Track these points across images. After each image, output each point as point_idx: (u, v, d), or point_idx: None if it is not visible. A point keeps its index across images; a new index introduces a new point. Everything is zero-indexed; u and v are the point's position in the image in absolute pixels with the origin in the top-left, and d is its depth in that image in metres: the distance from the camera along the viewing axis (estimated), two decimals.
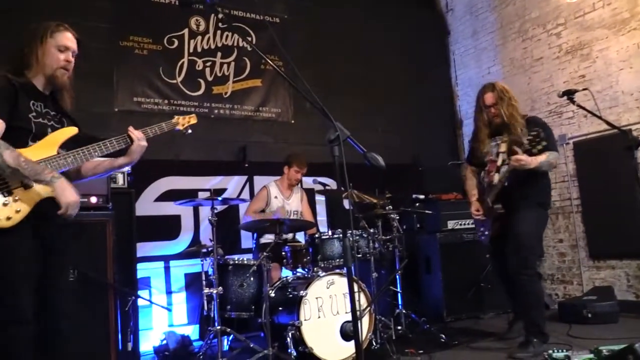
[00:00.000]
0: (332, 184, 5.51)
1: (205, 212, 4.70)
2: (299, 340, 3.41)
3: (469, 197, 3.96)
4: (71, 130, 2.43)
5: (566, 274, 5.71)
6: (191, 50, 5.33)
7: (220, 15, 2.13)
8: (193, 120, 2.79)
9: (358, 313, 3.59)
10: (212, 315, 3.66)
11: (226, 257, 4.05)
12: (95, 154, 2.41)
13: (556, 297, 5.64)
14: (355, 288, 3.70)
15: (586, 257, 5.51)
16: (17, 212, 2.16)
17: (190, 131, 2.78)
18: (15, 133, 2.23)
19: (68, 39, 2.43)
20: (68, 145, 2.40)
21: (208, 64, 5.41)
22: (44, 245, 2.27)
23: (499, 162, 3.59)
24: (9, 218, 2.14)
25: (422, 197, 5.53)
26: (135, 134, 2.53)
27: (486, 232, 3.79)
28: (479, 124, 3.79)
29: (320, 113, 2.04)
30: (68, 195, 2.20)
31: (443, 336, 4.05)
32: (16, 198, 2.17)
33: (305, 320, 3.43)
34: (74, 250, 2.52)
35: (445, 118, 7.08)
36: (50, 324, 2.28)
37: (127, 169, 3.83)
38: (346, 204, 5.58)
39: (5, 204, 2.14)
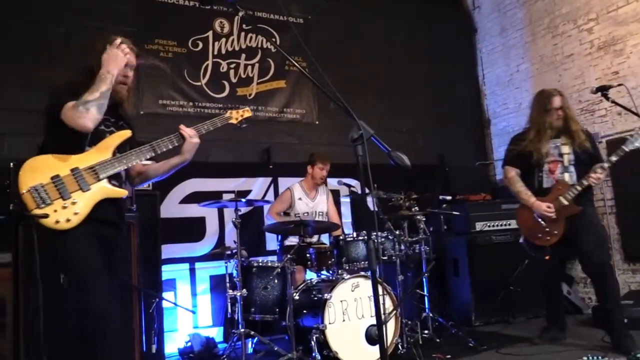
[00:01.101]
0: (357, 185, 5.45)
1: (230, 213, 4.68)
2: (324, 344, 3.36)
3: (527, 197, 3.78)
4: (125, 134, 2.49)
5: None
6: (215, 53, 5.33)
7: (241, 14, 2.10)
8: (247, 113, 2.80)
9: (383, 317, 3.53)
10: (236, 317, 3.64)
11: (250, 259, 4.02)
12: (148, 154, 2.47)
13: (589, 301, 5.45)
14: (381, 291, 3.65)
15: (621, 260, 5.32)
16: (76, 214, 2.24)
17: (245, 125, 2.77)
18: (73, 138, 2.31)
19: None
20: (124, 148, 2.47)
21: (232, 65, 5.41)
22: (101, 246, 2.33)
23: (566, 162, 3.72)
24: (68, 220, 2.22)
25: (449, 198, 5.43)
26: (187, 131, 2.56)
27: (555, 232, 3.67)
28: (541, 126, 3.77)
29: (344, 112, 1.99)
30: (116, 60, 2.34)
31: (471, 341, 3.94)
32: (74, 201, 2.25)
33: (329, 323, 3.38)
34: (127, 253, 2.58)
35: (472, 117, 6.94)
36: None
37: None
38: (370, 204, 5.52)
39: (64, 207, 2.23)
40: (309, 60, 5.82)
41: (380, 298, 3.62)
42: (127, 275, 2.49)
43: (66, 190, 2.25)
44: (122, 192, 2.45)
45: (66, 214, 2.22)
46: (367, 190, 1.97)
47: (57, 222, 2.20)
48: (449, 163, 6.45)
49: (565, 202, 3.63)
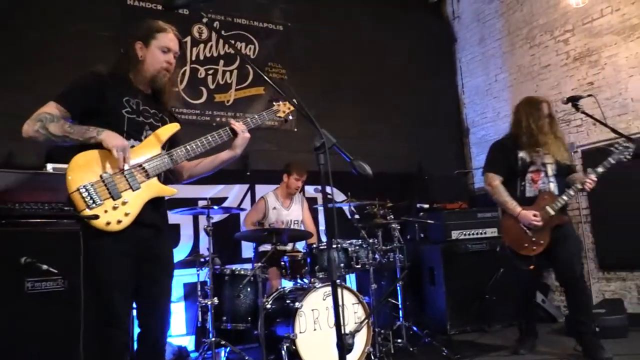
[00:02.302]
0: (335, 192, 5.44)
1: (204, 221, 4.64)
2: (294, 354, 3.32)
3: (513, 207, 3.71)
4: (174, 127, 2.41)
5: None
6: (193, 58, 5.31)
7: (204, 20, 2.08)
8: (292, 107, 2.69)
9: (356, 326, 3.51)
10: (207, 326, 3.59)
11: (226, 266, 3.98)
12: (199, 149, 2.38)
13: (565, 310, 5.49)
14: (354, 300, 3.63)
15: (595, 269, 5.37)
16: (127, 214, 2.15)
17: (291, 117, 2.70)
18: (105, 128, 2.19)
19: (171, 40, 2.42)
20: (173, 142, 2.40)
21: (210, 72, 5.38)
22: (139, 253, 2.24)
23: (550, 172, 3.73)
24: (119, 221, 2.12)
25: (426, 206, 5.45)
26: (238, 126, 2.49)
27: (541, 242, 3.64)
28: (532, 132, 3.72)
29: (307, 120, 1.98)
30: (114, 139, 2.14)
31: (445, 350, 3.94)
32: (125, 201, 2.16)
33: (300, 332, 3.35)
34: (170, 258, 2.50)
35: (451, 126, 6.98)
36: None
37: None
38: (345, 212, 5.50)
39: (115, 207, 2.13)
40: (288, 67, 5.85)
41: (353, 307, 3.62)
42: (167, 282, 2.39)
43: (116, 189, 2.14)
44: (172, 191, 2.35)
45: (117, 214, 2.12)
46: (330, 198, 1.92)
47: (108, 223, 2.10)
48: (428, 171, 6.47)
49: (552, 212, 3.62)
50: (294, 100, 2.07)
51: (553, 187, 3.72)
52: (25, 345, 2.88)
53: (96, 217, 2.08)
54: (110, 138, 2.14)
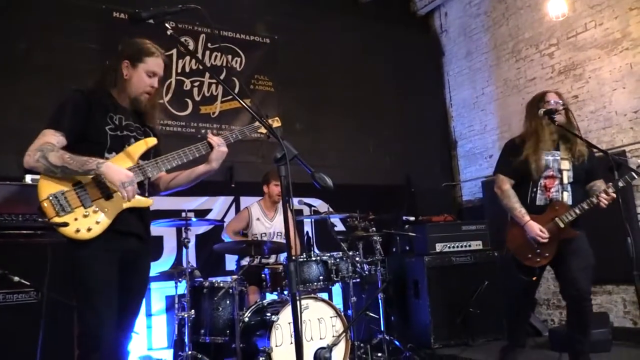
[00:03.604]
0: (319, 204, 5.44)
1: (188, 233, 4.63)
2: None
3: (521, 215, 3.42)
4: (150, 141, 2.41)
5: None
6: (179, 71, 5.32)
7: (169, 32, 2.08)
8: (276, 123, 2.72)
9: (335, 338, 3.48)
10: (184, 339, 3.56)
11: (209, 279, 3.94)
12: (175, 162, 2.38)
13: (552, 324, 5.47)
14: (332, 313, 3.61)
15: None
16: (98, 223, 2.15)
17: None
18: (89, 146, 2.22)
19: (159, 65, 2.43)
20: (149, 157, 2.40)
21: (196, 84, 5.39)
22: (121, 262, 2.24)
23: (565, 180, 3.42)
24: (89, 229, 2.13)
25: (412, 218, 5.44)
26: (215, 140, 2.49)
27: (546, 254, 3.40)
28: (539, 131, 3.42)
29: (269, 132, 1.98)
30: (117, 174, 2.15)
31: None
32: (96, 209, 2.16)
33: (276, 346, 3.32)
34: (148, 270, 2.49)
35: (439, 139, 6.99)
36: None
37: None
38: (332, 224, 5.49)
39: (85, 215, 2.14)
40: (275, 80, 5.87)
41: (331, 320, 3.59)
42: (143, 295, 2.38)
43: (88, 198, 2.16)
44: (147, 202, 2.36)
45: (87, 222, 2.12)
46: (288, 211, 1.92)
47: (78, 230, 2.11)
48: (415, 184, 6.47)
49: (562, 225, 3.33)
50: (255, 109, 2.05)
51: (567, 196, 3.42)
52: None
53: (65, 224, 2.09)
54: (112, 172, 2.15)
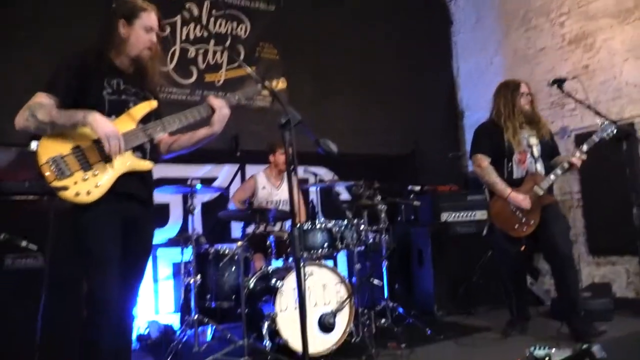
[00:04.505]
0: (324, 173, 5.45)
1: (194, 200, 4.66)
2: (275, 332, 3.35)
3: (503, 188, 3.72)
4: (151, 104, 2.38)
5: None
6: (183, 38, 5.26)
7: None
8: (282, 84, 2.60)
9: (339, 304, 3.52)
10: (191, 304, 3.62)
11: (215, 246, 3.98)
12: (175, 124, 2.36)
13: (554, 293, 5.50)
14: (336, 279, 3.65)
15: (586, 253, 5.37)
16: (97, 186, 2.14)
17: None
18: (90, 108, 2.18)
19: (154, 19, 2.38)
20: (149, 120, 2.37)
21: (201, 51, 5.34)
22: (125, 226, 2.24)
23: (535, 153, 3.76)
24: (89, 192, 2.12)
25: (417, 188, 5.43)
26: (216, 102, 2.44)
27: (531, 222, 3.66)
28: (512, 114, 3.77)
29: (274, 98, 1.97)
30: (103, 126, 2.13)
31: (429, 330, 3.96)
32: (95, 172, 2.16)
33: (281, 311, 3.37)
34: (152, 235, 2.50)
35: (446, 109, 6.93)
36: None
37: None
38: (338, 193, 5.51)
39: (85, 179, 2.13)
40: (280, 48, 5.81)
41: (336, 287, 3.63)
42: (146, 259, 2.42)
43: (87, 161, 2.15)
44: (148, 165, 2.34)
45: (87, 186, 2.12)
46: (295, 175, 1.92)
47: (77, 194, 2.10)
48: (422, 154, 6.44)
49: (541, 192, 3.65)
50: (258, 76, 2.03)
51: (540, 167, 3.76)
52: None
53: (65, 188, 2.09)
54: (99, 123, 2.13)
